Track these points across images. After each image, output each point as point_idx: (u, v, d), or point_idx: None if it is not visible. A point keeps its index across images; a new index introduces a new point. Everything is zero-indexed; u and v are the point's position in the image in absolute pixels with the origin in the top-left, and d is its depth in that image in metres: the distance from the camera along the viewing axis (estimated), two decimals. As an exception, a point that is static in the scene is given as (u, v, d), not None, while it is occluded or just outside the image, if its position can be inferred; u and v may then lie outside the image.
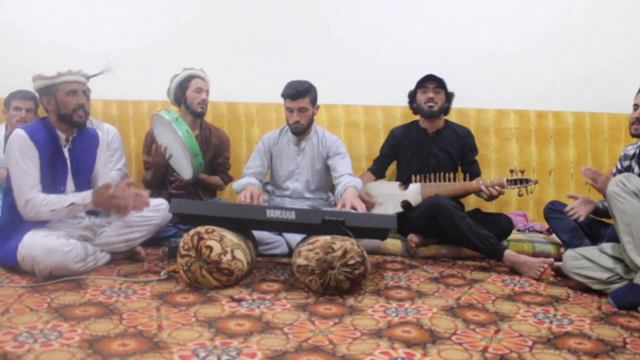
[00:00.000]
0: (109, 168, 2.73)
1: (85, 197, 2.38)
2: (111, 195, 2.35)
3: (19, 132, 2.34)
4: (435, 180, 3.04)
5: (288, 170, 3.06)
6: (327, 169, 3.05)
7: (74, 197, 2.38)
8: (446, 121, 3.24)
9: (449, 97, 3.17)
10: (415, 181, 3.08)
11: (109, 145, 3.29)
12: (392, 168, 3.40)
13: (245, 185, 2.87)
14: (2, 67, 3.54)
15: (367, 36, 3.72)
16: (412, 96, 3.21)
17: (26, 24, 3.62)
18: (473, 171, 3.17)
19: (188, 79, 3.13)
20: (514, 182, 2.92)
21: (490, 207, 3.48)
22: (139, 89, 3.60)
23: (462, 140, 3.19)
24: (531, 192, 2.96)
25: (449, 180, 3.02)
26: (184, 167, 2.96)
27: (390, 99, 3.60)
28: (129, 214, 2.44)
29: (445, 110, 3.17)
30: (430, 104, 3.10)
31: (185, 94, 3.12)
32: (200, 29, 3.69)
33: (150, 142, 3.18)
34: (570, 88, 3.69)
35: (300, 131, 2.97)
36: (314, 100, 2.94)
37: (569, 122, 3.68)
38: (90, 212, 2.56)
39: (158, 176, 3.09)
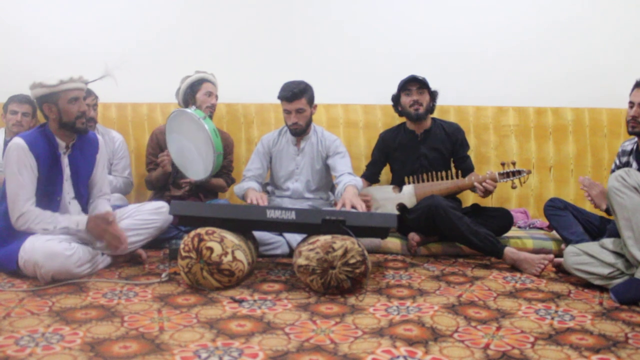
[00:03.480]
0: (107, 173, 2.73)
1: (79, 222, 2.39)
2: (106, 228, 2.38)
3: (18, 142, 2.32)
4: (428, 180, 3.02)
5: (288, 171, 3.05)
6: (327, 169, 3.05)
7: (67, 220, 2.38)
8: (433, 120, 3.20)
9: (433, 95, 3.13)
10: (408, 182, 3.06)
11: (115, 153, 3.29)
12: (387, 172, 3.39)
13: (247, 191, 2.87)
14: (3, 71, 3.55)
15: (365, 35, 3.71)
16: (396, 99, 3.16)
17: (26, 29, 3.61)
18: (466, 167, 3.13)
19: (200, 82, 3.12)
20: (506, 174, 2.88)
21: (489, 205, 3.47)
22: (137, 92, 3.60)
23: (452, 137, 3.14)
24: (524, 182, 2.92)
25: (442, 179, 3.00)
26: (196, 169, 2.92)
27: (389, 98, 3.59)
28: (117, 252, 2.48)
29: (431, 109, 3.13)
30: (416, 107, 3.05)
31: (196, 97, 3.11)
32: (199, 31, 3.69)
33: (155, 142, 3.17)
34: (569, 84, 3.68)
35: (299, 132, 2.96)
36: (310, 101, 2.93)
37: (568, 118, 3.68)
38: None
39: (163, 178, 3.10)
